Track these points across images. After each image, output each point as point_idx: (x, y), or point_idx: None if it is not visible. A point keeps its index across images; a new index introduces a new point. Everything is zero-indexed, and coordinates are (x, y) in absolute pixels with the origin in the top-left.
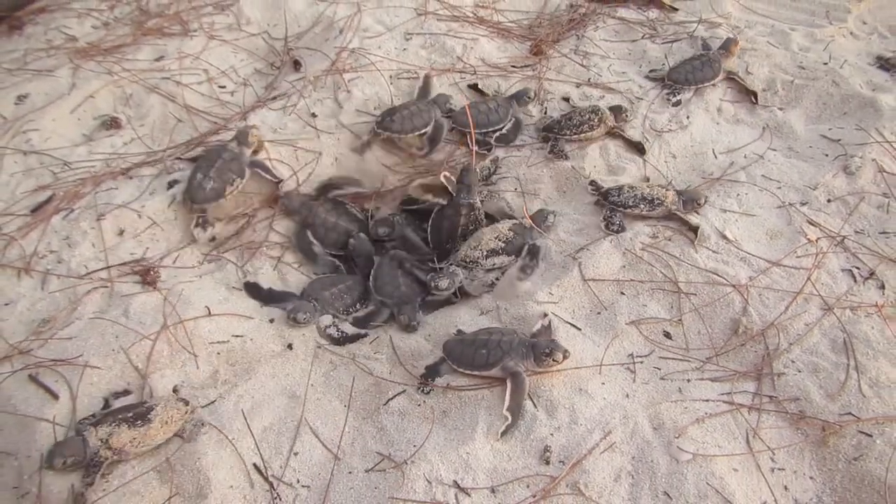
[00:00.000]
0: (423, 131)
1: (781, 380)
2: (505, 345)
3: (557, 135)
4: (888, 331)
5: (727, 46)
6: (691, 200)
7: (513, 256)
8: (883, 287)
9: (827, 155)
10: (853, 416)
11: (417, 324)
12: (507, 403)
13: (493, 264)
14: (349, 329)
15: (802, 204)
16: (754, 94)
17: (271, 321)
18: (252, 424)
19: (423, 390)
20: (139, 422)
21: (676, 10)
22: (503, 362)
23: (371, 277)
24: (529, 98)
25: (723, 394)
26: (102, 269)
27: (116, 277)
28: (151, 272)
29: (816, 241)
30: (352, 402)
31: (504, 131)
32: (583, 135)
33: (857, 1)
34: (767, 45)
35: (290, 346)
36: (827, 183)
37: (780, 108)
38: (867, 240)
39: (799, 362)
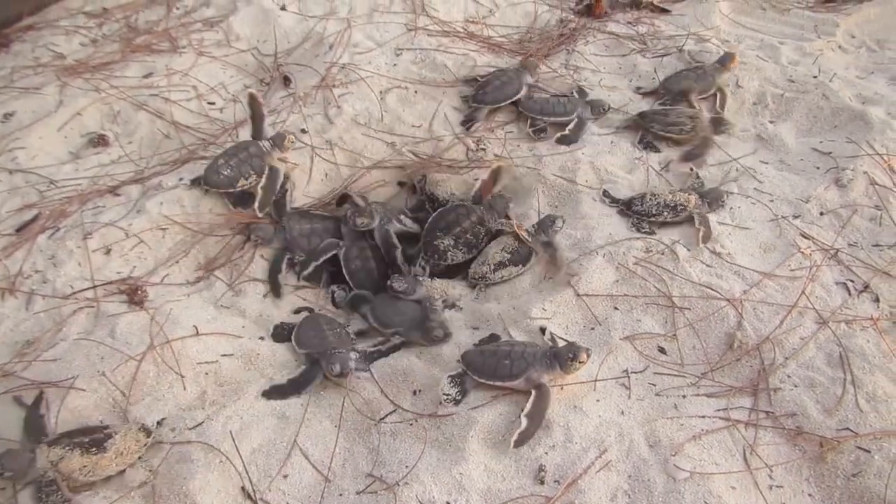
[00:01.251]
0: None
1: (778, 395)
2: (529, 356)
3: (648, 126)
4: (884, 344)
5: (724, 61)
6: (715, 200)
7: (519, 266)
8: (878, 300)
9: (818, 168)
10: (851, 431)
11: (445, 334)
12: (527, 409)
13: (501, 277)
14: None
15: (795, 217)
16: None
17: (261, 339)
18: (241, 446)
19: (455, 400)
20: (94, 449)
21: (668, 10)
22: (527, 373)
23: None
24: (605, 109)
25: (719, 410)
26: (88, 288)
27: (103, 297)
28: (139, 291)
29: (810, 254)
30: (343, 422)
31: (567, 130)
32: (672, 136)
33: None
34: (757, 59)
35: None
36: (819, 195)
37: (771, 122)
38: (861, 252)
39: (795, 377)
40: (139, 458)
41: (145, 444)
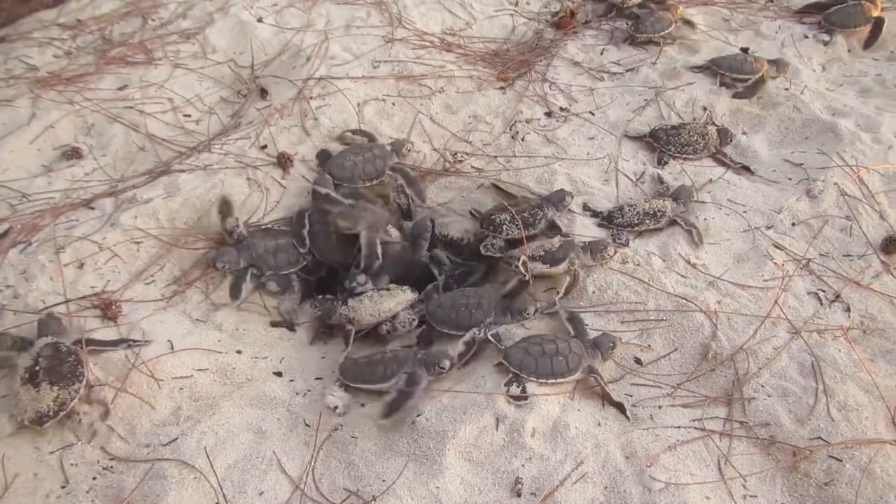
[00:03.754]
0: None
1: (752, 405)
2: (576, 349)
3: (663, 148)
4: (854, 354)
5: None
6: (688, 198)
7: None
8: (848, 310)
9: (790, 179)
10: (823, 440)
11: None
12: (609, 397)
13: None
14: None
15: (768, 227)
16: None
17: (238, 352)
18: (215, 462)
19: (516, 403)
20: None
21: (695, 25)
22: (583, 364)
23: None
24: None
25: (694, 420)
26: (61, 303)
27: (75, 312)
28: (112, 306)
29: (783, 264)
30: (319, 436)
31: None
32: (688, 157)
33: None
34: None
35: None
36: (791, 206)
37: (744, 133)
38: (832, 262)
39: (768, 387)
40: None
41: None
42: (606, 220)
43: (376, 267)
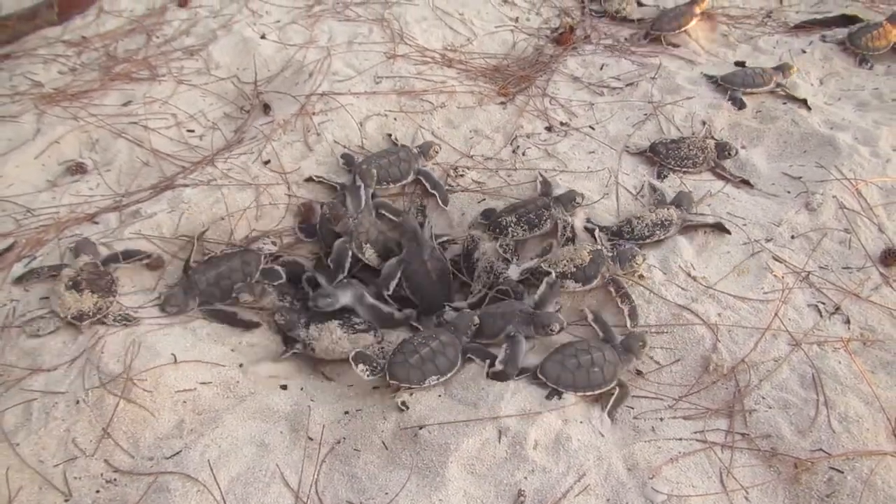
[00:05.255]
0: None
1: (753, 417)
2: (610, 357)
3: (662, 162)
4: (854, 365)
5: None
6: (689, 203)
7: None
8: (848, 322)
9: (789, 192)
10: (824, 452)
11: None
12: (609, 406)
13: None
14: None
15: (767, 240)
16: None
17: (240, 366)
18: (219, 475)
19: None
20: None
21: (677, 45)
22: (618, 374)
23: None
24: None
25: (696, 432)
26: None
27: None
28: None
29: (782, 276)
30: (322, 449)
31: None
32: (688, 171)
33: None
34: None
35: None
36: (790, 219)
37: (743, 147)
38: (831, 275)
39: (769, 398)
40: None
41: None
42: (616, 234)
43: (340, 279)
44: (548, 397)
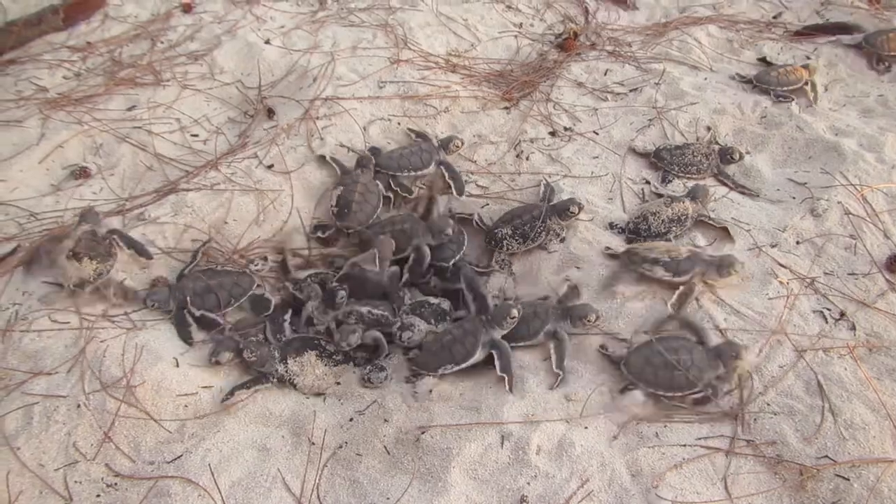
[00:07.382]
0: None
1: (758, 423)
2: (699, 362)
3: (667, 168)
4: (860, 372)
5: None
6: (704, 196)
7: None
8: (854, 328)
9: (794, 198)
10: (830, 459)
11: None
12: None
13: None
14: None
15: (772, 246)
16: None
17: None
18: (220, 480)
19: None
20: None
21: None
22: (703, 381)
23: None
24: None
25: (700, 438)
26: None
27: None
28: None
29: (787, 282)
30: (324, 454)
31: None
32: (692, 177)
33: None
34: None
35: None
36: (795, 225)
37: (748, 152)
38: (836, 281)
39: (774, 405)
40: None
41: None
42: (633, 232)
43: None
44: (621, 391)
